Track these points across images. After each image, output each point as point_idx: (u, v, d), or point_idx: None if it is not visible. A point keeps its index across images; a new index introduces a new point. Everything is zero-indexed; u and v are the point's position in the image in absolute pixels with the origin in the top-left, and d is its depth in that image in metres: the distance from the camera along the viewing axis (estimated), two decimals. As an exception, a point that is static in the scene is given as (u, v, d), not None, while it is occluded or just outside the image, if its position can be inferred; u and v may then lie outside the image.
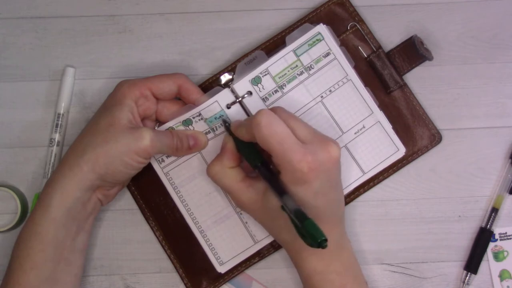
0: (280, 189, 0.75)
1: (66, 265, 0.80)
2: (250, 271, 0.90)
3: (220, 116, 0.86)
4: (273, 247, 0.89)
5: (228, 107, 0.86)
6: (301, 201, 0.75)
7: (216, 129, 0.86)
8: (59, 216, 0.78)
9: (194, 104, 0.85)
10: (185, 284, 0.89)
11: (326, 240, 0.69)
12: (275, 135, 0.74)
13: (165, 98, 0.85)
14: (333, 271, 0.79)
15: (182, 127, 0.86)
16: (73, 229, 0.80)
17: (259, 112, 0.75)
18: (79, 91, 0.92)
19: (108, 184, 0.81)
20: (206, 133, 0.86)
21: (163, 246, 0.89)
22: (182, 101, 0.87)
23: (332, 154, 0.75)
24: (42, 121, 0.92)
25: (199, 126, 0.86)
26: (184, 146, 0.84)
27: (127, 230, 0.91)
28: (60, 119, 0.90)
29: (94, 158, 0.78)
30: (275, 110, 0.78)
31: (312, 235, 0.69)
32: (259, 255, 0.89)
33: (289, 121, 0.76)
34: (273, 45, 0.91)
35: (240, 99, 0.86)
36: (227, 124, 0.84)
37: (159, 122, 0.87)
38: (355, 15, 0.91)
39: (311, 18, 0.91)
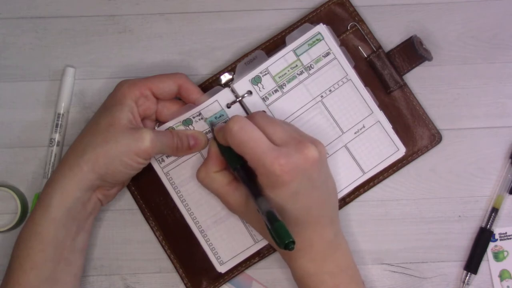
0: (255, 192, 0.75)
1: (66, 265, 0.80)
2: (250, 271, 0.90)
3: (220, 116, 0.86)
4: (273, 247, 0.89)
5: (228, 106, 0.86)
6: (278, 204, 0.75)
7: (216, 129, 0.87)
8: (59, 216, 0.78)
9: (194, 104, 0.85)
10: (185, 284, 0.89)
11: (293, 242, 0.69)
12: (247, 141, 0.74)
13: (165, 98, 0.85)
14: (326, 272, 0.79)
15: (182, 127, 0.86)
16: (73, 229, 0.80)
17: (231, 118, 0.76)
18: (79, 91, 0.92)
19: (108, 184, 0.81)
20: (206, 133, 0.86)
21: (163, 246, 0.89)
22: (182, 101, 0.87)
23: (308, 155, 0.75)
24: (42, 121, 0.92)
25: (199, 126, 0.86)
26: (184, 146, 0.84)
27: (127, 230, 0.91)
28: (60, 119, 0.90)
29: (94, 158, 0.77)
30: (254, 115, 0.79)
31: (280, 237, 0.69)
32: (259, 255, 0.89)
33: (266, 125, 0.77)
34: (273, 45, 0.91)
35: (240, 98, 0.86)
36: (213, 127, 0.85)
37: (159, 122, 0.87)
38: (355, 15, 0.91)
39: (311, 18, 0.91)
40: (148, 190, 0.89)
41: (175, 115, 0.86)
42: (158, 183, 0.88)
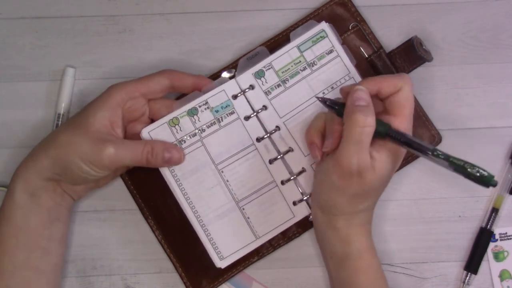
0: (423, 147, 0.75)
1: (44, 254, 0.82)
2: (250, 271, 0.90)
3: (227, 106, 0.86)
4: (272, 246, 0.89)
5: (234, 97, 0.86)
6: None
7: (222, 120, 0.86)
8: (23, 201, 0.80)
9: (200, 92, 0.86)
10: (185, 284, 0.89)
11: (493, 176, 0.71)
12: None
13: (157, 95, 0.85)
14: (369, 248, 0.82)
15: (187, 117, 0.85)
16: (44, 217, 0.81)
17: (404, 75, 0.80)
18: (79, 91, 0.92)
19: (69, 181, 0.83)
20: (211, 124, 0.86)
21: (162, 246, 0.89)
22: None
23: None
24: (42, 121, 0.92)
25: (205, 116, 0.86)
26: (158, 159, 0.83)
27: (127, 230, 0.91)
28: (60, 119, 0.90)
29: (55, 156, 0.79)
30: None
31: (482, 177, 0.71)
32: (258, 254, 0.89)
33: None
34: (274, 45, 0.91)
35: (244, 91, 0.86)
36: (336, 107, 0.80)
37: (153, 122, 0.86)
38: (356, 15, 0.91)
39: (313, 18, 0.91)
40: (147, 190, 0.89)
41: (182, 103, 0.86)
42: (158, 183, 0.88)
